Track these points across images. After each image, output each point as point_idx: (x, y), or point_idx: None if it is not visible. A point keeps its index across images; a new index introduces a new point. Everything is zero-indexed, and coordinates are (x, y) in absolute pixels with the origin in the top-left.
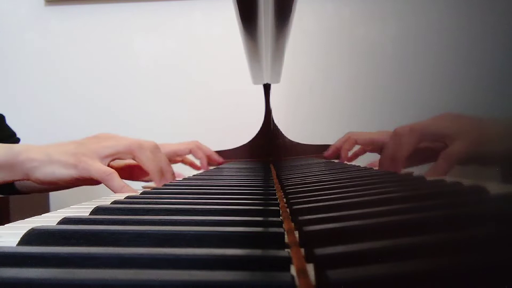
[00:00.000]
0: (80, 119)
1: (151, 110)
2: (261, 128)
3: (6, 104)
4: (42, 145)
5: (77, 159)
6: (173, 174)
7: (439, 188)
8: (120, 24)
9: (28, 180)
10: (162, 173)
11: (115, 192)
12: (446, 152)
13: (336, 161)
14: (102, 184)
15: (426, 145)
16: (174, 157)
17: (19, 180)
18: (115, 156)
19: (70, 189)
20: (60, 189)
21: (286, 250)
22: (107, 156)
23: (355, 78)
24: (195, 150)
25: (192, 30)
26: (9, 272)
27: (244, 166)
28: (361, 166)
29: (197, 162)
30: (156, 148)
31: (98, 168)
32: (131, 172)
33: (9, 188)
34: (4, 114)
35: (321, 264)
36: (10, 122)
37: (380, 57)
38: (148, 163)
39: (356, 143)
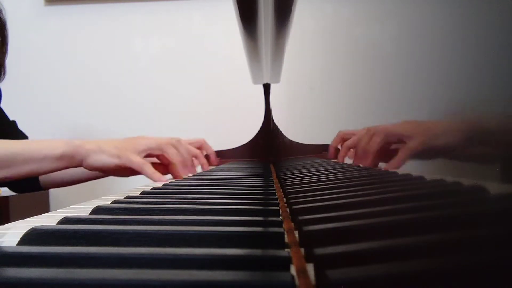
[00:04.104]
0: (80, 119)
1: (150, 110)
2: (261, 128)
3: (6, 103)
4: (94, 140)
5: (120, 151)
6: (193, 165)
7: (439, 188)
8: (120, 24)
9: (80, 166)
10: (185, 164)
11: (149, 177)
12: (404, 147)
13: (335, 160)
14: (104, 184)
15: (392, 144)
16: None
17: (74, 166)
18: (148, 151)
19: (70, 189)
20: (100, 177)
21: (286, 250)
22: (142, 151)
23: (355, 78)
24: (205, 146)
25: (192, 30)
26: (9, 272)
27: (244, 166)
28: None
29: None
30: (179, 142)
31: (136, 159)
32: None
33: (32, 185)
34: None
35: (321, 264)
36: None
37: (379, 57)
38: (173, 157)
39: (343, 139)
